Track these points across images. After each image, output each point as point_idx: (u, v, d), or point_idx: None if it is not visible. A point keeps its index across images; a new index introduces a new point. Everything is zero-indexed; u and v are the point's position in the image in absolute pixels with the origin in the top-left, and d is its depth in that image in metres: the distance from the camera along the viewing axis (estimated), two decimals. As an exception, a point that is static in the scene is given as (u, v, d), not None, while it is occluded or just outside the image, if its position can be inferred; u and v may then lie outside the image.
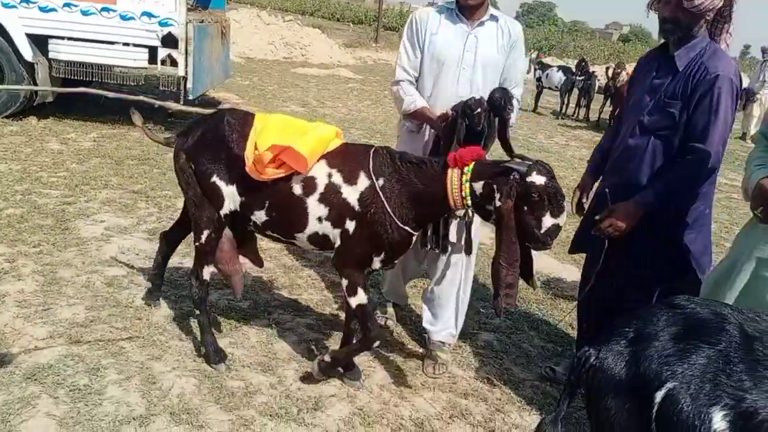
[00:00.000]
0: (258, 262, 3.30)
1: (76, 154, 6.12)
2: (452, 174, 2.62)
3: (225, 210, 2.92)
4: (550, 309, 4.17)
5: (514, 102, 3.02)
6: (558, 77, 12.90)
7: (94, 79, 6.93)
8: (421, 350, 3.45)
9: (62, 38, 6.65)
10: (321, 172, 2.76)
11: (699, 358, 1.57)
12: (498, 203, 2.50)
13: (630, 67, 13.60)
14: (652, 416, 1.57)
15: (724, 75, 2.59)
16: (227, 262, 3.11)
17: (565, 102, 13.13)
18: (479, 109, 2.74)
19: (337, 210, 2.74)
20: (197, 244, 3.00)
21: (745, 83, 10.93)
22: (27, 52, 6.61)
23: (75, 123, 7.22)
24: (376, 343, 2.88)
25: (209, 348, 3.05)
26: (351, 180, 2.73)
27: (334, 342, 3.36)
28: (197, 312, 3.12)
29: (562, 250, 4.88)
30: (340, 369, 3.03)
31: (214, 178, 2.87)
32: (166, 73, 6.85)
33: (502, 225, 2.51)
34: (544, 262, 4.85)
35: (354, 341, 3.04)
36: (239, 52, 17.06)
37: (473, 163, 2.60)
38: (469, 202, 2.60)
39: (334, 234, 2.79)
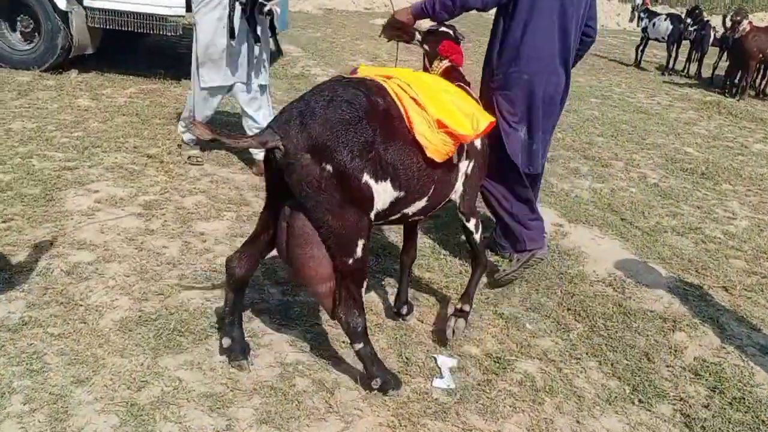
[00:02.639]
0: None
1: (102, 111, 5.62)
2: None
3: (374, 212, 2.30)
4: (621, 327, 3.19)
5: None
6: (665, 26, 11.22)
7: (131, 29, 6.37)
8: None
9: (96, -18, 6.12)
10: None
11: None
12: None
13: (753, 17, 11.70)
14: None
15: None
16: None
17: (673, 55, 11.45)
18: None
19: (474, 159, 2.72)
20: (350, 262, 2.28)
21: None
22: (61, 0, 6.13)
23: (116, 77, 6.74)
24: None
25: (383, 377, 2.45)
26: None
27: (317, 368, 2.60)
28: (359, 345, 2.41)
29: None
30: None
31: (364, 176, 2.20)
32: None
33: None
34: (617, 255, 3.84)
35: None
36: (319, 3, 16.28)
37: None
38: None
39: (463, 182, 2.72)
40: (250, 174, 4.58)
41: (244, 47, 4.34)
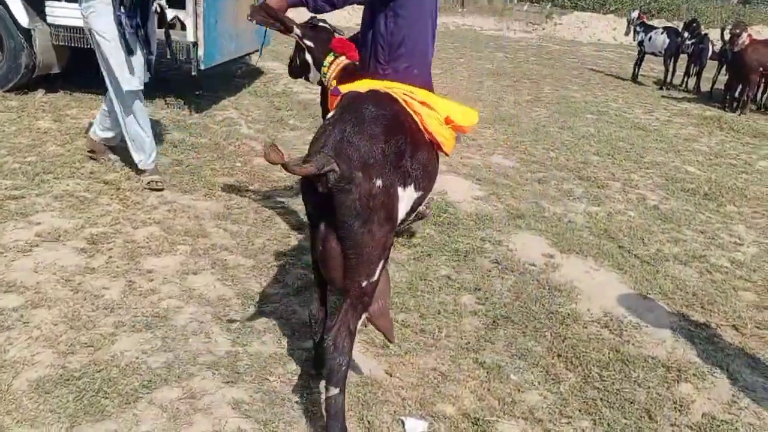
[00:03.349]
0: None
1: (63, 133, 5.26)
2: None
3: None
4: (619, 378, 2.80)
5: None
6: (662, 40, 10.90)
7: (98, 47, 6.03)
8: None
9: (59, 0, 5.79)
10: None
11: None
12: None
13: (753, 30, 11.38)
14: None
15: None
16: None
17: (671, 70, 11.13)
18: None
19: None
20: (363, 285, 2.14)
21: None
22: (22, 16, 5.79)
23: (84, 97, 6.39)
24: None
25: None
26: None
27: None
28: (335, 391, 2.10)
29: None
30: None
31: (398, 188, 2.23)
32: (175, 39, 5.84)
33: None
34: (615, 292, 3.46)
35: None
36: (308, 17, 16.07)
37: None
38: None
39: None
40: (214, 200, 4.21)
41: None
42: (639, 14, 11.77)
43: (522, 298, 3.34)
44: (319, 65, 3.10)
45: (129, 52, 4.06)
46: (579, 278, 3.59)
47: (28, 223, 3.61)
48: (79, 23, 5.75)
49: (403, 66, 2.93)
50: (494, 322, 3.10)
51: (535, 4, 25.60)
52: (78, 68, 6.63)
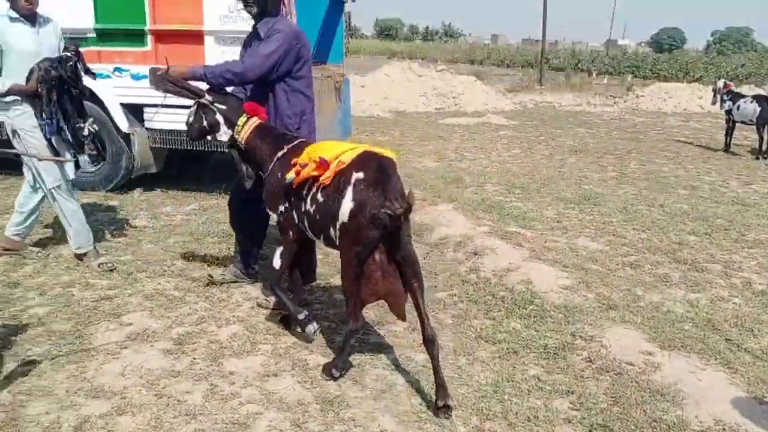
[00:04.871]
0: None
1: (157, 231, 5.53)
2: None
3: None
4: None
5: None
6: (752, 109, 10.40)
7: (191, 147, 6.41)
8: None
9: (156, 106, 6.23)
10: None
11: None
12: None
13: None
14: None
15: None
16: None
17: (765, 138, 10.56)
18: None
19: None
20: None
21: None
22: (123, 122, 6.28)
23: (178, 194, 6.76)
24: None
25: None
26: None
27: None
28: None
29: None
30: None
31: None
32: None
33: None
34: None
35: None
36: (390, 107, 16.56)
37: None
38: None
39: None
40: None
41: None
42: (725, 83, 11.34)
43: (621, 403, 3.07)
44: (232, 125, 3.61)
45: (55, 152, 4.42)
46: (683, 379, 3.28)
47: (120, 324, 3.73)
48: (174, 126, 6.18)
49: (306, 118, 3.99)
50: (591, 431, 2.85)
51: (615, 77, 25.33)
52: (175, 168, 7.08)
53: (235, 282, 4.38)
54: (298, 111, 3.95)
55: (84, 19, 6.01)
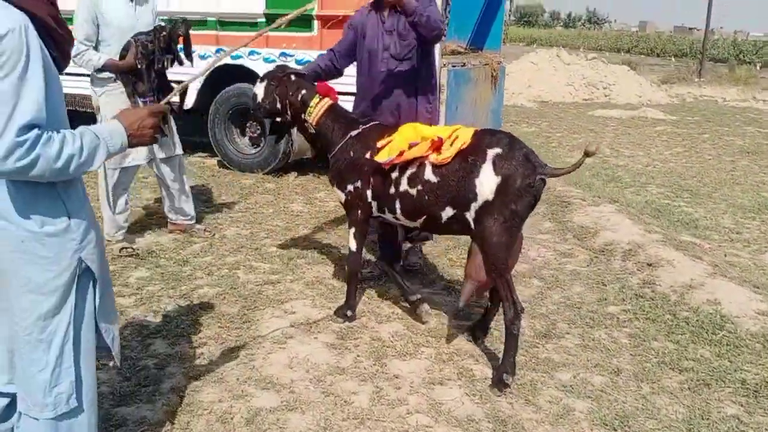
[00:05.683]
0: None
1: (313, 216, 5.58)
2: None
3: None
4: None
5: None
6: None
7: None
8: None
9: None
10: None
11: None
12: None
13: None
14: None
15: None
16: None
17: None
18: None
19: None
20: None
21: None
22: (284, 107, 6.38)
23: (329, 179, 6.81)
24: None
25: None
26: None
27: None
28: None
29: None
30: None
31: None
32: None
33: None
34: None
35: None
36: (533, 96, 15.96)
37: None
38: None
39: None
40: (454, 295, 4.04)
41: None
42: None
43: None
44: (306, 106, 3.55)
45: None
46: None
47: (284, 311, 3.75)
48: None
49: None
50: None
51: (788, 70, 22.72)
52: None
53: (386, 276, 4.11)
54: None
55: (255, 4, 6.15)
